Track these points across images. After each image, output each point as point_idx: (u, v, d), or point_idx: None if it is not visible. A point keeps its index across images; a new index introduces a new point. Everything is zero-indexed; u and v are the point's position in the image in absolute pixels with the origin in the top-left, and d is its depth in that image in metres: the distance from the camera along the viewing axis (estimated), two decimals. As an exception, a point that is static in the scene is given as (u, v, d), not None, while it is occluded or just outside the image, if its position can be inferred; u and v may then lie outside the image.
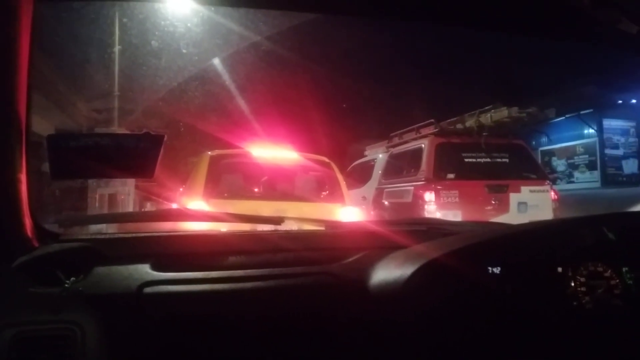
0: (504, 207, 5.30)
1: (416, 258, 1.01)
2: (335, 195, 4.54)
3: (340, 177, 4.71)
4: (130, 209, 9.80)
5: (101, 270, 0.96)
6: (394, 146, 6.78)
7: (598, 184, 11.67)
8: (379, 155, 7.08)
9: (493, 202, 5.30)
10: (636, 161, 11.86)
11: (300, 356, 0.98)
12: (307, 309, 1.00)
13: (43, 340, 0.81)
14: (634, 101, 11.72)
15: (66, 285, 0.89)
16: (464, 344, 0.93)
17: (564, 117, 11.12)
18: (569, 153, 12.56)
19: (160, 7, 5.90)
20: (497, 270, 0.98)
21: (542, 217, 4.89)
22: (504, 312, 0.96)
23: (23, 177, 0.92)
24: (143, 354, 0.90)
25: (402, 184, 5.76)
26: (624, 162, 11.91)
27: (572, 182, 12.33)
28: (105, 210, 8.80)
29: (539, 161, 9.82)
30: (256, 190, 4.53)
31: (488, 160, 5.56)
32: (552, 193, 5.58)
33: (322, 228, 1.41)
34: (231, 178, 4.39)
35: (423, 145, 5.66)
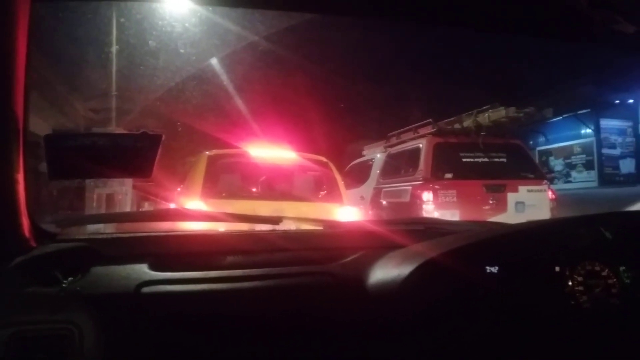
0: (501, 206, 5.32)
1: (414, 257, 1.01)
2: (333, 195, 4.55)
3: (338, 176, 4.71)
4: (128, 209, 9.77)
5: (99, 270, 0.96)
6: (391, 146, 6.79)
7: (595, 184, 11.70)
8: (376, 155, 7.08)
9: (491, 202, 5.32)
10: (633, 161, 11.90)
11: (299, 356, 0.98)
12: (305, 309, 1.00)
13: (41, 340, 0.81)
14: (631, 101, 11.75)
15: (64, 285, 0.89)
16: (461, 343, 0.93)
17: (561, 117, 11.15)
18: (567, 153, 12.59)
19: (158, 7, 5.88)
20: (494, 269, 0.99)
21: (539, 217, 4.90)
22: (501, 312, 0.96)
23: (20, 177, 0.92)
24: (141, 353, 0.90)
25: (400, 184, 5.77)
26: (621, 162, 11.95)
27: (570, 181, 12.36)
28: (103, 210, 8.77)
29: (537, 161, 9.84)
30: (254, 190, 4.53)
31: (486, 160, 5.58)
32: (550, 193, 5.60)
33: (320, 228, 1.41)
34: (229, 178, 4.39)
35: (421, 145, 5.67)
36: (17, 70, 0.89)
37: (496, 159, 5.63)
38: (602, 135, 11.86)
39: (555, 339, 0.96)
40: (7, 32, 0.86)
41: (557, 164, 12.83)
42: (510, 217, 5.15)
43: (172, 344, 0.93)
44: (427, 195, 5.20)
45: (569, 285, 1.01)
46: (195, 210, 2.89)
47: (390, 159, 6.58)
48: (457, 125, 5.81)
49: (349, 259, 1.13)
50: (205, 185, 4.14)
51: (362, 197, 6.68)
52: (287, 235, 1.27)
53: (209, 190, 4.10)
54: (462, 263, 0.97)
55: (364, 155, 7.85)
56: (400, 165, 6.12)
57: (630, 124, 12.00)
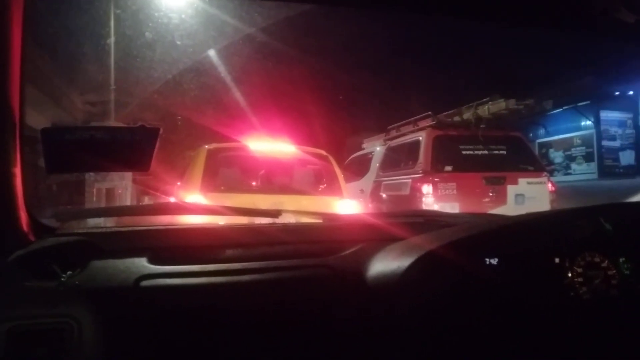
0: (501, 199, 5.32)
1: (414, 250, 1.01)
2: (332, 188, 4.54)
3: (337, 170, 4.71)
4: (127, 202, 9.78)
5: (98, 263, 0.96)
6: (391, 139, 6.77)
7: (595, 176, 11.72)
8: (376, 148, 7.07)
9: (490, 194, 5.32)
10: (633, 153, 11.90)
11: (298, 348, 0.98)
12: (304, 302, 1.01)
13: (40, 334, 0.81)
14: (631, 93, 11.72)
15: (62, 279, 0.89)
16: (461, 335, 0.93)
17: (561, 109, 11.13)
18: (566, 145, 12.59)
19: (155, -1, 5.84)
20: (494, 261, 0.99)
21: (539, 209, 4.90)
22: (501, 304, 0.96)
23: (18, 171, 0.91)
24: (140, 347, 0.90)
25: (400, 177, 5.77)
26: (621, 154, 11.96)
27: (570, 173, 12.37)
28: (102, 204, 8.78)
29: (537, 153, 9.84)
30: (254, 183, 4.52)
31: (485, 152, 5.57)
32: (550, 185, 5.60)
33: (320, 221, 1.41)
34: (229, 171, 4.38)
35: (420, 138, 5.65)
36: (13, 64, 0.88)
37: (496, 152, 5.62)
38: (602, 127, 11.86)
39: (556, 331, 0.96)
40: (2, 25, 0.85)
41: (557, 156, 12.83)
42: (510, 209, 5.15)
43: (171, 337, 0.93)
44: (426, 188, 5.20)
45: (568, 276, 1.01)
46: (194, 203, 2.88)
47: (390, 151, 6.57)
48: (456, 118, 5.80)
49: (348, 251, 1.12)
50: (205, 179, 4.13)
51: (361, 190, 6.68)
52: (287, 228, 1.27)
53: (208, 184, 4.09)
54: (462, 255, 0.97)
55: (363, 149, 7.84)
56: (400, 158, 6.11)
57: (630, 115, 11.98)
